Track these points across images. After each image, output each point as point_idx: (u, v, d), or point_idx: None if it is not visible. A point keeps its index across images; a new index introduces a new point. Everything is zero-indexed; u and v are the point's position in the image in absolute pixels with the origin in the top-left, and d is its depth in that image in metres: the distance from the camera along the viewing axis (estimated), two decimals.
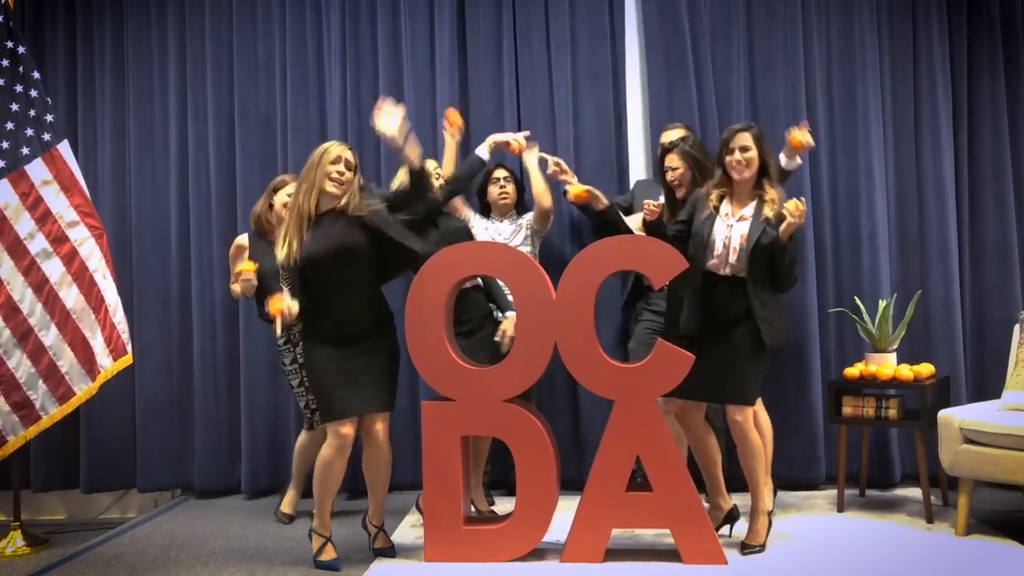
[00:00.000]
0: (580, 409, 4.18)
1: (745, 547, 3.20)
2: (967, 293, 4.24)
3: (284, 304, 3.01)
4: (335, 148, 3.15)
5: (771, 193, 3.14)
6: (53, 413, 3.94)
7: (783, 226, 3.04)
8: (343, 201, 3.12)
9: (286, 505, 3.94)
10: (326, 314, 3.14)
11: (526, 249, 3.86)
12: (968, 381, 4.18)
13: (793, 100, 4.19)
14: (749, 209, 3.17)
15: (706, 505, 3.28)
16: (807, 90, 4.21)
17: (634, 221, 3.59)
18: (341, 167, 3.11)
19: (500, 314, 3.65)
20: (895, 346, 3.80)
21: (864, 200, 4.18)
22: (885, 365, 3.71)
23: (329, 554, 3.23)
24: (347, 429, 3.16)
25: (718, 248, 3.17)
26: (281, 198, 3.70)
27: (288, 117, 4.39)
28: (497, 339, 3.57)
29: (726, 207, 3.21)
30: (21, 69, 4.01)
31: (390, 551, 3.31)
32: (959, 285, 4.19)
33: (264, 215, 3.77)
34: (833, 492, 3.84)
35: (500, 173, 3.98)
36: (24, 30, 4.34)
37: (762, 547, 3.21)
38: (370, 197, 3.20)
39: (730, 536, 3.34)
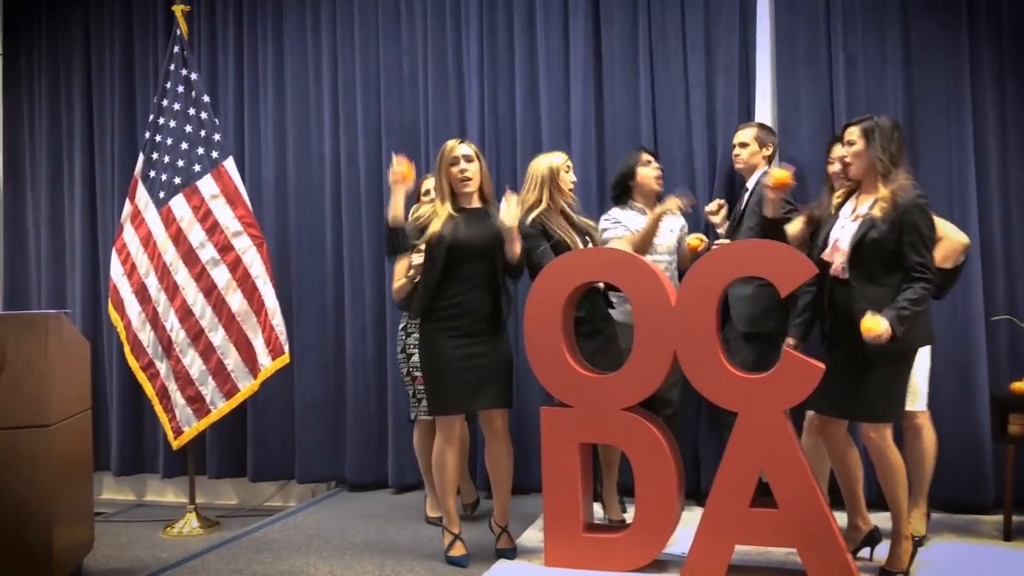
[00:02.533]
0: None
1: (884, 573, 2.98)
2: None
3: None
4: (448, 149, 3.29)
5: (883, 191, 2.89)
6: (221, 408, 4.32)
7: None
8: (474, 190, 3.30)
9: (430, 508, 3.93)
10: (454, 304, 3.20)
11: (673, 238, 3.83)
12: None
13: (956, 90, 3.84)
14: (866, 207, 2.95)
15: (844, 526, 3.09)
16: (972, 77, 3.85)
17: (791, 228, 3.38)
18: (462, 164, 3.26)
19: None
20: None
21: None
22: None
23: (458, 550, 3.31)
24: (460, 423, 3.27)
25: (829, 250, 2.98)
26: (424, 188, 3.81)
27: (430, 127, 4.55)
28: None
29: (848, 207, 3.01)
30: (194, 94, 4.42)
31: (511, 552, 3.35)
32: None
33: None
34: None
35: (648, 156, 3.90)
36: (200, 58, 4.78)
37: (904, 574, 2.98)
38: None
39: (871, 560, 3.12)
